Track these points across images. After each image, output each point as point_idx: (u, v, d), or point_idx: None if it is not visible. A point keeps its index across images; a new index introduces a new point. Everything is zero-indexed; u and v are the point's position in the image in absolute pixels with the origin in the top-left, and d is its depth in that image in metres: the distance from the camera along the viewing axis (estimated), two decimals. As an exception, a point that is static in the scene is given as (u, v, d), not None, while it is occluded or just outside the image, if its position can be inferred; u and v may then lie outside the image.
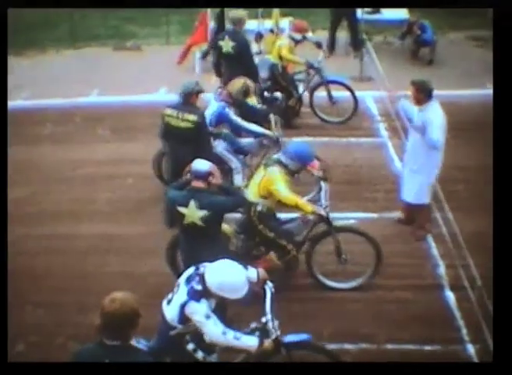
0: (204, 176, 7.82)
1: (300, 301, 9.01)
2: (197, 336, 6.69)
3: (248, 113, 11.21)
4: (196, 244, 8.00)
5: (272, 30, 14.55)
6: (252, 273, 7.00)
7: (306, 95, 13.52)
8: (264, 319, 6.83)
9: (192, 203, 7.73)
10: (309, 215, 8.84)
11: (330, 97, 13.43)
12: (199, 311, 6.45)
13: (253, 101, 11.67)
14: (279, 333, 6.79)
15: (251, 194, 8.79)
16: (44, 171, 12.31)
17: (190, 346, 6.74)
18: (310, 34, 13.52)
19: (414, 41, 16.61)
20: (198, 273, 6.61)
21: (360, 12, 16.26)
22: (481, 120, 13.17)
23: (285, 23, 15.35)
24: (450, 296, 9.07)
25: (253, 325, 6.91)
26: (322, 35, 17.05)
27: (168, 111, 9.97)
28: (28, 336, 8.49)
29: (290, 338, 7.00)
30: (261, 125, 11.00)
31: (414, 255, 9.83)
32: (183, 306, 6.49)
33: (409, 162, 9.90)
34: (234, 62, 12.29)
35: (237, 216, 9.18)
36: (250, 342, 6.64)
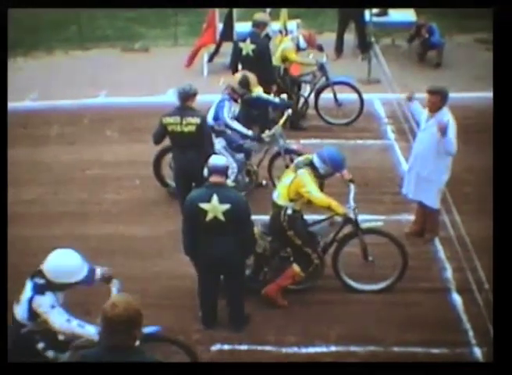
0: (223, 170, 7.97)
1: (306, 304, 9.01)
2: (48, 335, 6.86)
3: (256, 104, 11.53)
4: (217, 241, 8.06)
5: (280, 31, 14.54)
6: (101, 271, 7.27)
7: (312, 97, 13.52)
8: None
9: (215, 198, 7.84)
10: (337, 217, 8.86)
11: (336, 99, 13.43)
12: (44, 303, 6.68)
13: (259, 90, 11.71)
14: None
15: (280, 196, 8.76)
16: (52, 172, 12.33)
17: (41, 345, 6.89)
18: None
19: (422, 43, 16.58)
20: (38, 270, 6.83)
21: (368, 15, 16.25)
22: (490, 123, 13.17)
23: (293, 24, 15.36)
24: (457, 299, 9.06)
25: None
26: (330, 37, 17.07)
27: (170, 119, 10.01)
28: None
29: (148, 330, 7.02)
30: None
31: (422, 258, 9.81)
32: (29, 302, 6.71)
33: (416, 166, 9.83)
34: (252, 65, 12.30)
35: (264, 217, 9.23)
36: (91, 330, 6.77)
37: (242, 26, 15.01)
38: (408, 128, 12.09)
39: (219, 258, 8.10)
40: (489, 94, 14.18)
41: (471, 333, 8.49)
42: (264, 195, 10.55)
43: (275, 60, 13.23)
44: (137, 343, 5.40)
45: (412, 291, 9.20)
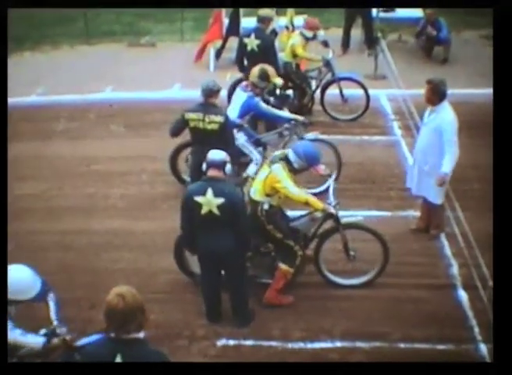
0: (220, 164, 7.96)
1: (311, 299, 9.01)
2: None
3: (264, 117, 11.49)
4: (213, 236, 8.05)
5: (286, 27, 14.54)
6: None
7: (318, 93, 13.52)
8: (52, 326, 7.01)
9: (209, 191, 7.84)
10: (317, 212, 8.83)
11: (342, 94, 13.44)
12: None
13: (279, 81, 11.76)
14: (67, 337, 6.74)
15: (256, 192, 8.71)
16: (58, 167, 12.34)
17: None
18: (321, 32, 13.48)
19: (429, 39, 16.55)
20: None
21: (374, 10, 16.23)
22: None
23: (299, 20, 15.32)
24: (463, 295, 9.04)
25: (43, 331, 7.04)
26: (337, 33, 17.05)
27: (193, 115, 10.01)
28: (39, 331, 8.48)
29: (83, 341, 6.79)
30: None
31: (427, 254, 9.80)
32: None
33: (419, 162, 9.80)
34: (258, 60, 12.27)
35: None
36: (35, 340, 6.77)
37: (248, 22, 15.00)
38: (414, 124, 12.07)
39: (216, 252, 8.09)
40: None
41: (476, 330, 8.47)
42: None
43: (286, 56, 13.26)
44: (141, 335, 5.41)
45: (418, 288, 9.19)
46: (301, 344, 8.29)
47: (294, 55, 13.21)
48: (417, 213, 10.38)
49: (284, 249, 8.81)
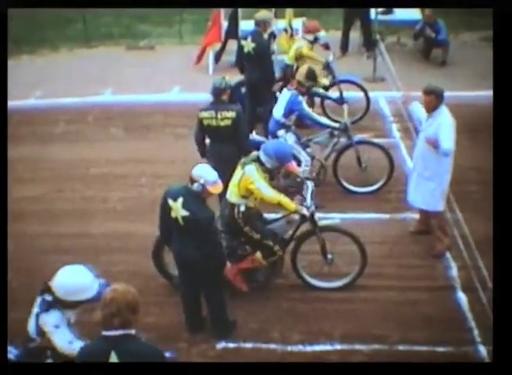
0: (191, 181, 7.79)
1: (311, 302, 9.02)
2: (58, 353, 6.64)
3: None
4: (181, 240, 8.05)
5: (285, 30, 14.55)
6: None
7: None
8: None
9: (180, 200, 7.78)
10: (294, 214, 8.81)
11: (342, 97, 13.43)
12: (48, 321, 6.44)
13: (326, 82, 12.03)
14: None
15: (232, 194, 8.70)
16: (57, 170, 12.34)
17: (50, 361, 6.66)
18: (322, 34, 13.49)
19: (427, 41, 16.56)
20: (47, 287, 6.55)
21: (373, 13, 16.23)
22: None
23: (298, 23, 15.35)
24: (462, 297, 9.03)
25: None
26: (335, 35, 17.05)
27: (205, 114, 10.04)
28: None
29: None
30: None
31: (426, 257, 9.79)
32: (36, 318, 6.51)
33: (418, 168, 9.74)
34: (254, 63, 12.38)
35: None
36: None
37: (247, 24, 15.02)
38: (413, 127, 12.07)
39: (186, 258, 8.04)
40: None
41: (476, 332, 8.46)
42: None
43: (289, 59, 13.27)
44: (133, 331, 5.45)
45: (417, 290, 9.19)
46: (301, 347, 8.29)
47: (297, 59, 13.23)
48: (416, 216, 10.37)
49: (263, 249, 8.82)
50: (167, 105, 14.73)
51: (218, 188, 7.86)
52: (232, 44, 15.44)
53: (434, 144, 9.16)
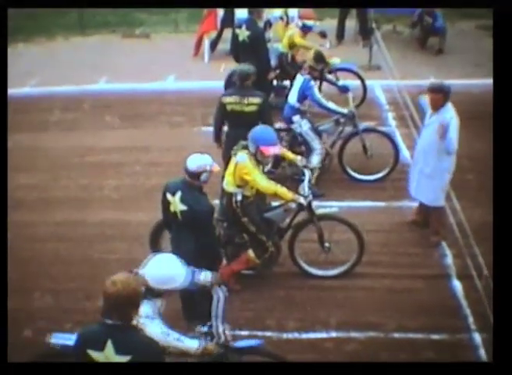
0: (192, 175, 7.72)
1: (306, 289, 9.03)
2: None
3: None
4: (178, 234, 8.02)
5: (281, 18, 14.50)
6: (206, 276, 6.98)
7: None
8: (214, 323, 6.73)
9: (178, 194, 7.74)
10: (291, 203, 8.79)
11: (338, 85, 13.39)
12: (140, 312, 6.25)
13: (336, 61, 12.25)
14: (223, 338, 6.64)
15: (228, 184, 8.68)
16: (52, 158, 12.33)
17: None
18: (312, 22, 13.43)
19: (424, 29, 16.53)
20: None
21: (369, 1, 16.18)
22: (491, 110, 13.15)
23: (294, 11, 15.29)
24: (457, 285, 9.06)
25: (200, 329, 6.84)
26: (331, 24, 17.03)
27: (230, 99, 10.03)
28: (36, 321, 8.51)
29: (241, 344, 6.89)
30: None
31: (422, 244, 9.81)
32: None
33: (420, 163, 9.70)
34: (248, 51, 12.36)
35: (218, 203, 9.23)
36: (191, 344, 6.48)
37: (242, 13, 14.96)
38: (409, 115, 12.08)
39: (180, 252, 8.04)
40: (490, 81, 14.28)
41: (470, 319, 8.49)
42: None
43: (283, 47, 13.26)
44: (134, 322, 5.47)
45: (412, 278, 9.21)
46: (296, 335, 8.31)
47: (291, 46, 13.23)
48: (412, 204, 10.37)
49: (256, 242, 8.83)
50: (162, 94, 14.71)
51: (217, 167, 7.88)
52: (228, 33, 15.40)
53: (443, 132, 9.11)
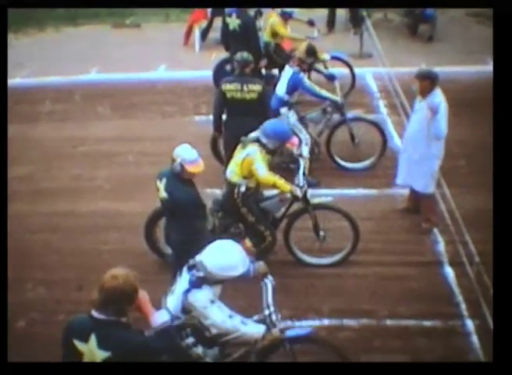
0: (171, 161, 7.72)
1: (299, 277, 9.04)
2: (197, 330, 6.63)
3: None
4: (167, 222, 8.09)
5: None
6: (259, 265, 6.93)
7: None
8: (267, 312, 6.71)
9: (163, 181, 7.75)
10: (287, 193, 8.83)
11: (325, 74, 13.38)
12: (201, 297, 6.38)
13: (326, 57, 12.27)
14: (278, 326, 6.65)
15: (233, 174, 8.71)
16: (44, 149, 12.32)
17: (190, 340, 6.64)
18: (294, 9, 13.43)
19: (414, 16, 16.54)
20: (196, 261, 6.51)
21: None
22: (482, 97, 13.16)
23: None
24: (450, 272, 9.08)
25: (255, 317, 6.84)
26: (322, 12, 17.01)
27: (230, 86, 10.04)
28: (29, 312, 8.53)
29: (293, 332, 6.88)
30: None
31: (414, 232, 9.83)
32: (185, 295, 6.41)
33: (409, 150, 9.72)
34: (239, 39, 12.36)
35: (215, 192, 9.32)
36: (257, 329, 6.54)
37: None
38: (400, 103, 12.10)
39: (168, 240, 8.10)
40: (481, 68, 14.33)
41: (463, 306, 8.51)
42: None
43: (266, 36, 13.25)
44: (124, 319, 5.42)
45: (405, 265, 9.23)
46: (289, 323, 8.30)
47: (273, 35, 13.22)
48: (404, 191, 10.39)
49: (254, 233, 8.87)
50: (153, 83, 14.70)
51: (197, 168, 7.67)
52: (218, 22, 15.37)
53: (434, 111, 9.14)
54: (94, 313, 5.36)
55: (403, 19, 17.18)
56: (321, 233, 9.06)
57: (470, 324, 8.24)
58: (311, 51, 11.13)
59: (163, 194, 7.74)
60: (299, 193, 8.66)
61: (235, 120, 10.08)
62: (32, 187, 11.19)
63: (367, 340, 8.02)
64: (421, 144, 9.46)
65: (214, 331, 6.55)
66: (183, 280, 6.55)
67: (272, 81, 12.96)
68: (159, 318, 5.61)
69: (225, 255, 6.46)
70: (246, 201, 8.74)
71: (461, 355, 7.77)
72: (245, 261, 6.54)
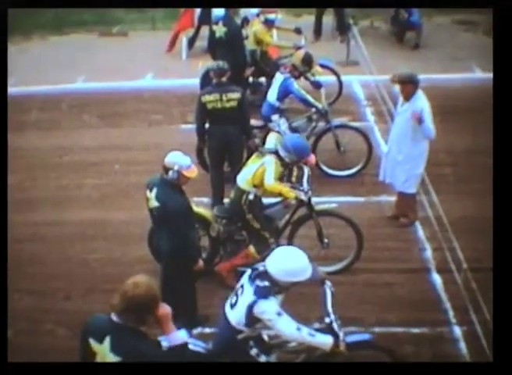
0: (164, 169, 7.69)
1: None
2: (260, 340, 6.69)
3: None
4: (157, 232, 8.07)
5: (258, 15, 14.50)
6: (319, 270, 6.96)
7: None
8: (328, 320, 6.69)
9: (154, 191, 7.70)
10: (291, 199, 8.87)
11: (312, 82, 13.39)
12: (269, 309, 6.31)
13: (318, 70, 12.31)
14: (342, 335, 6.57)
15: (244, 182, 8.77)
16: (31, 158, 12.29)
17: (254, 351, 6.65)
18: (273, 16, 13.40)
19: (400, 24, 16.58)
20: (259, 272, 6.47)
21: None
22: (468, 104, 13.24)
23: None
24: (437, 279, 9.11)
25: (316, 325, 6.81)
26: (309, 20, 17.04)
27: (210, 97, 10.02)
28: (16, 322, 8.46)
29: (353, 338, 6.88)
30: None
31: (401, 239, 9.86)
32: (251, 307, 6.33)
33: (393, 151, 9.85)
34: (225, 47, 12.38)
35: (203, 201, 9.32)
36: (325, 340, 6.46)
37: (219, 10, 14.94)
38: (387, 110, 12.12)
39: (159, 250, 8.09)
40: (467, 75, 14.39)
41: (451, 313, 8.55)
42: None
43: (249, 44, 13.24)
44: (143, 328, 5.36)
45: (392, 272, 9.25)
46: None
47: (257, 42, 13.22)
48: (390, 198, 10.42)
49: (259, 239, 8.90)
50: (140, 92, 14.69)
51: (193, 172, 7.75)
52: (205, 30, 15.37)
53: (419, 119, 9.24)
54: (114, 317, 5.31)
55: (389, 27, 17.21)
56: (325, 240, 9.07)
57: (457, 331, 8.28)
58: (308, 61, 11.22)
59: (154, 203, 7.69)
60: (304, 197, 8.74)
61: (217, 129, 10.12)
62: (18, 196, 11.13)
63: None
64: (405, 145, 9.60)
65: (274, 341, 6.69)
66: (246, 292, 6.45)
67: (259, 89, 13.00)
68: (177, 337, 5.54)
69: (290, 261, 6.43)
70: (252, 208, 8.80)
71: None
72: (309, 265, 6.50)
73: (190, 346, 6.40)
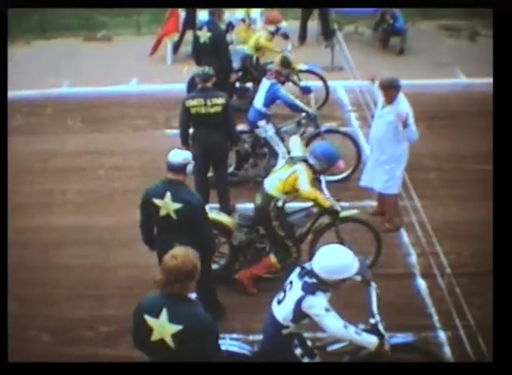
0: (181, 167, 7.64)
1: (273, 291, 8.98)
2: (304, 341, 6.72)
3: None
4: (170, 238, 7.92)
5: (243, 20, 14.55)
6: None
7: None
8: (373, 321, 6.72)
9: (168, 195, 7.62)
10: (313, 208, 8.90)
11: (300, 87, 13.41)
12: (317, 304, 6.36)
13: (302, 66, 12.49)
14: (386, 336, 6.62)
15: (273, 188, 8.71)
16: (15, 163, 12.19)
17: (298, 351, 6.70)
18: (283, 24, 13.51)
19: (385, 29, 16.64)
20: (307, 271, 6.51)
21: (330, 2, 16.23)
22: (453, 109, 13.29)
23: (256, 12, 15.34)
24: (421, 284, 9.13)
25: (362, 326, 6.81)
26: (293, 25, 17.07)
27: (194, 102, 10.00)
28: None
29: (397, 340, 6.92)
30: None
31: (386, 244, 9.82)
32: (299, 302, 6.39)
33: (375, 152, 9.93)
34: (210, 52, 12.39)
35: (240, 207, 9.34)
36: (370, 339, 6.51)
37: (203, 15, 14.96)
38: (371, 115, 12.12)
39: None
40: (452, 81, 14.45)
41: (435, 318, 8.56)
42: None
43: (249, 49, 13.26)
44: (192, 295, 5.61)
45: (377, 277, 9.14)
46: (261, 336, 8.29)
47: (257, 49, 13.23)
48: (375, 203, 10.45)
49: (281, 248, 8.90)
50: (125, 97, 14.67)
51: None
52: (190, 35, 15.39)
53: (404, 122, 9.28)
54: (163, 291, 5.50)
55: (374, 32, 17.26)
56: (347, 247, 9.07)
57: (442, 335, 8.29)
58: (286, 63, 11.21)
59: (174, 206, 7.60)
60: (338, 208, 8.75)
61: (201, 134, 10.12)
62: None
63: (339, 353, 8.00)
64: (386, 146, 9.68)
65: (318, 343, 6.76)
66: (295, 288, 6.51)
67: (245, 94, 13.00)
68: None
69: (333, 259, 6.47)
70: (279, 215, 8.78)
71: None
72: (354, 261, 6.54)
73: (236, 349, 6.75)
